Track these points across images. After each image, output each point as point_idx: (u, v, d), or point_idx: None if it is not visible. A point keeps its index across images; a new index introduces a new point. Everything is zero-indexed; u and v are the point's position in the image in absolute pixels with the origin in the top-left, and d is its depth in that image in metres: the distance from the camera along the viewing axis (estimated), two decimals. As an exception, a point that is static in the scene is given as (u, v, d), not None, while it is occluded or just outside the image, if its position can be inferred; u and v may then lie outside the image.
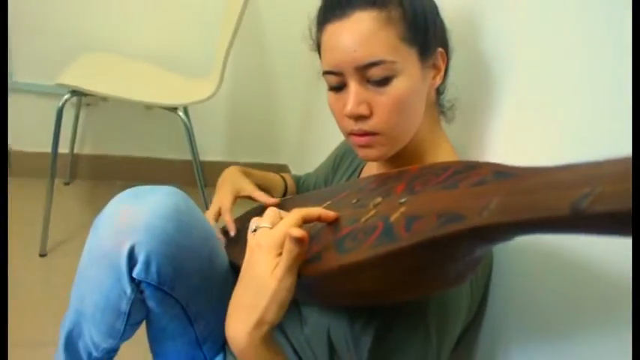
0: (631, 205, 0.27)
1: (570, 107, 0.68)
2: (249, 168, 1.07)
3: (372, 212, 0.57)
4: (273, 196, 1.01)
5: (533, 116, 0.76)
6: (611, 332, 0.60)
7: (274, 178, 1.13)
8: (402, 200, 0.52)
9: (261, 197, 0.96)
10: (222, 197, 0.95)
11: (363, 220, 0.57)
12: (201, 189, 1.79)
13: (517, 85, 0.80)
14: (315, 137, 2.06)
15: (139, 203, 0.72)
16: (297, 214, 0.59)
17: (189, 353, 0.87)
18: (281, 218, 0.61)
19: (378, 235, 0.50)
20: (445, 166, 0.58)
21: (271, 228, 0.59)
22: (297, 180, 1.20)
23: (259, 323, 0.57)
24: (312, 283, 0.58)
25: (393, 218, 0.51)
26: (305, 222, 0.59)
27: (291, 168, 2.31)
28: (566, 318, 0.67)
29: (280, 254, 0.56)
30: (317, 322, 0.76)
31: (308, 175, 1.21)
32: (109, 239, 0.72)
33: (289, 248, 0.55)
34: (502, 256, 0.78)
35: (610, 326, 0.60)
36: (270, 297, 0.55)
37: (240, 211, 1.05)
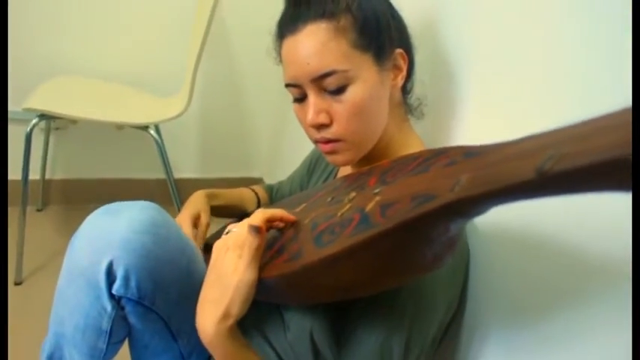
0: (591, 160, 0.29)
1: (535, 99, 0.70)
2: (217, 189, 1.08)
3: (348, 206, 0.58)
4: (246, 212, 1.06)
5: (500, 110, 0.78)
6: (590, 319, 0.61)
7: (244, 193, 1.13)
8: (376, 191, 0.54)
9: (202, 229, 0.97)
10: (181, 222, 0.95)
11: (339, 214, 0.58)
12: (177, 206, 1.78)
13: (482, 78, 0.82)
14: (288, 149, 2.07)
15: (114, 219, 0.72)
16: (260, 214, 0.65)
17: (173, 369, 0.86)
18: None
19: (355, 225, 0.51)
20: (415, 156, 0.59)
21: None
22: (270, 190, 1.21)
23: (224, 316, 0.61)
24: (293, 281, 0.59)
25: (368, 208, 0.53)
26: (268, 221, 0.66)
27: (265, 180, 2.30)
28: (545, 308, 0.68)
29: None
30: (299, 327, 0.76)
31: (281, 183, 1.21)
32: (87, 257, 0.71)
33: (249, 241, 0.61)
34: (479, 250, 0.79)
35: (590, 313, 0.61)
36: (233, 292, 0.61)
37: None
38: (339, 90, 0.73)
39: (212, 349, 0.64)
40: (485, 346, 0.79)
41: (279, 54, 0.80)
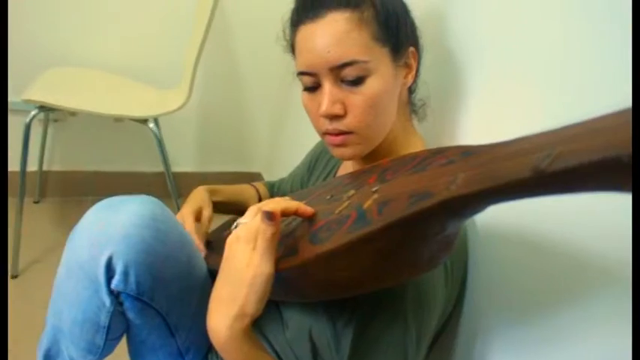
0: (588, 159, 0.29)
1: (538, 103, 0.70)
2: (218, 184, 1.07)
3: (346, 204, 0.58)
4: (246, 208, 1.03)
5: (502, 113, 0.78)
6: (590, 317, 0.62)
7: (246, 189, 1.13)
8: (375, 189, 0.53)
9: (206, 223, 0.96)
10: (184, 217, 0.94)
11: (337, 211, 0.57)
12: (175, 200, 1.77)
13: (486, 82, 0.82)
14: (287, 144, 2.06)
15: (114, 213, 0.71)
16: (274, 203, 0.60)
17: (171, 365, 0.85)
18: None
19: (351, 222, 0.50)
20: (414, 156, 0.59)
21: None
22: (271, 187, 1.20)
23: (239, 316, 0.57)
24: (289, 277, 0.58)
25: (365, 206, 0.52)
26: (283, 214, 0.60)
27: (264, 176, 2.30)
28: (544, 305, 0.68)
29: None
30: (298, 325, 0.76)
31: (282, 180, 1.21)
32: (86, 251, 0.71)
33: (263, 229, 0.57)
34: (478, 246, 0.79)
35: (590, 310, 0.61)
36: (248, 288, 0.56)
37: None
38: (357, 81, 0.72)
39: (225, 353, 0.59)
40: (483, 341, 0.79)
41: (292, 40, 0.79)
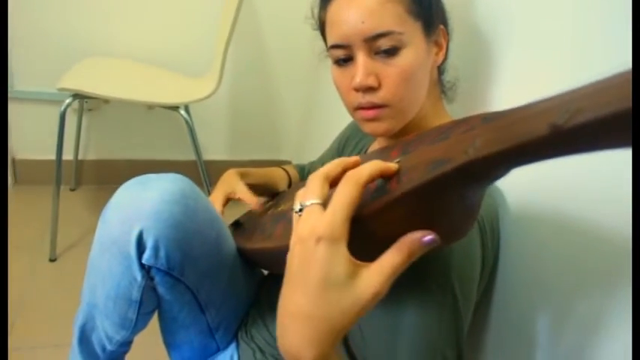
0: (607, 112, 0.28)
1: (571, 86, 0.68)
2: (249, 168, 1.07)
3: None
4: (278, 191, 1.04)
5: (534, 95, 0.76)
6: (616, 297, 0.60)
7: (276, 172, 1.13)
8: (397, 160, 0.53)
9: (248, 199, 0.95)
10: (214, 200, 0.95)
11: None
12: (207, 188, 1.79)
13: (516, 65, 0.81)
14: (316, 132, 2.06)
15: (145, 190, 0.73)
16: (362, 170, 0.46)
17: (202, 343, 0.87)
18: (329, 183, 0.48)
19: (370, 193, 0.49)
20: (438, 127, 0.58)
21: (323, 204, 0.46)
22: (301, 170, 1.20)
23: (337, 339, 0.44)
24: None
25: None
26: (371, 180, 0.47)
27: (294, 163, 2.28)
28: (575, 293, 0.67)
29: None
30: None
31: (312, 163, 1.21)
32: (118, 226, 0.72)
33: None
34: (510, 227, 0.78)
35: (615, 291, 0.60)
36: (359, 310, 0.43)
37: (233, 212, 1.05)
38: (392, 51, 0.71)
39: None
40: (515, 325, 0.78)
41: (322, 18, 0.78)
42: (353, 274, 0.43)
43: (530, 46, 0.77)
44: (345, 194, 0.44)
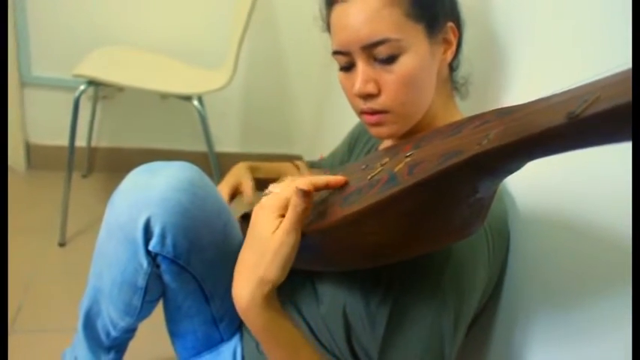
0: (625, 101, 0.28)
1: (585, 81, 0.67)
2: (260, 162, 1.07)
3: (379, 169, 0.57)
4: None
5: (547, 91, 0.75)
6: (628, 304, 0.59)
7: (286, 167, 1.13)
8: (409, 154, 0.52)
9: (247, 195, 0.96)
10: (219, 190, 0.95)
11: (369, 177, 0.57)
12: (217, 179, 1.80)
13: (531, 59, 0.79)
14: (329, 126, 2.06)
15: (154, 177, 0.73)
16: (306, 179, 0.60)
17: (205, 333, 0.87)
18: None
19: (381, 185, 0.49)
20: (451, 123, 0.58)
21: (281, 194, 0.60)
22: (312, 165, 1.20)
23: (261, 282, 0.58)
24: (315, 243, 0.58)
25: (397, 169, 0.51)
26: (315, 189, 0.60)
27: (305, 158, 2.28)
28: (583, 297, 0.66)
29: (283, 216, 0.58)
30: (332, 301, 0.75)
31: (323, 159, 1.21)
32: (125, 213, 0.72)
33: (295, 203, 0.56)
34: (519, 232, 0.77)
35: (627, 297, 0.59)
36: (272, 255, 0.56)
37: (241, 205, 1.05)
38: (390, 59, 0.70)
39: (247, 319, 0.60)
40: (521, 328, 0.77)
41: (328, 20, 0.78)
42: (274, 230, 0.57)
43: (549, 41, 0.76)
44: (296, 182, 0.59)
